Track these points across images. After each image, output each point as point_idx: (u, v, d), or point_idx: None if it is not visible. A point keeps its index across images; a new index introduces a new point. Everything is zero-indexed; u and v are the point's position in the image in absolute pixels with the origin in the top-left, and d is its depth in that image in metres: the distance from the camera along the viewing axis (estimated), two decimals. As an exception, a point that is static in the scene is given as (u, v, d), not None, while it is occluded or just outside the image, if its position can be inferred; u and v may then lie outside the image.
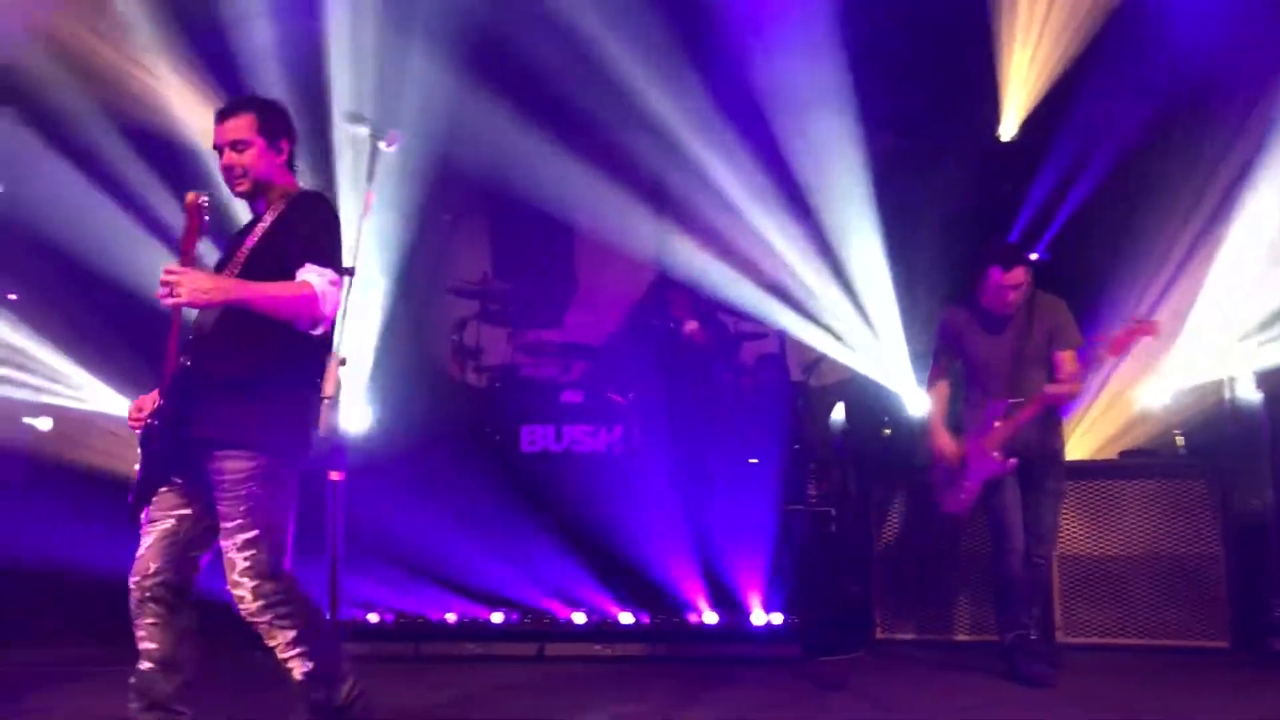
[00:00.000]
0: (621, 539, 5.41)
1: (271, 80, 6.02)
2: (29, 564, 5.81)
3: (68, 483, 6.44)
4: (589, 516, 5.56)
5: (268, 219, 3.36)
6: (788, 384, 6.53)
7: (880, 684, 4.87)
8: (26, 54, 6.23)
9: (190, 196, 3.11)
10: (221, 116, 3.38)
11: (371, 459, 5.60)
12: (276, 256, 3.26)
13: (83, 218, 6.30)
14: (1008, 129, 6.73)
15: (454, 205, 6.92)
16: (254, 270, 3.24)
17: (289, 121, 3.45)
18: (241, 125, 3.34)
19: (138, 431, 3.21)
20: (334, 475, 3.15)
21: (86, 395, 6.97)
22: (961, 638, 5.65)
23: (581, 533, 5.51)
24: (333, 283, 3.20)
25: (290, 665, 3.24)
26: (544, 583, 5.52)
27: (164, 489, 3.24)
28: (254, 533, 3.16)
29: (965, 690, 4.71)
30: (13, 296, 6.82)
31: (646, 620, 5.43)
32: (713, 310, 6.69)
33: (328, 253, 3.26)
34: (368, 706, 3.36)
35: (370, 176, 3.42)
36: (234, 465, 3.16)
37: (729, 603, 5.38)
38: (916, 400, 6.30)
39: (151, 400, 3.22)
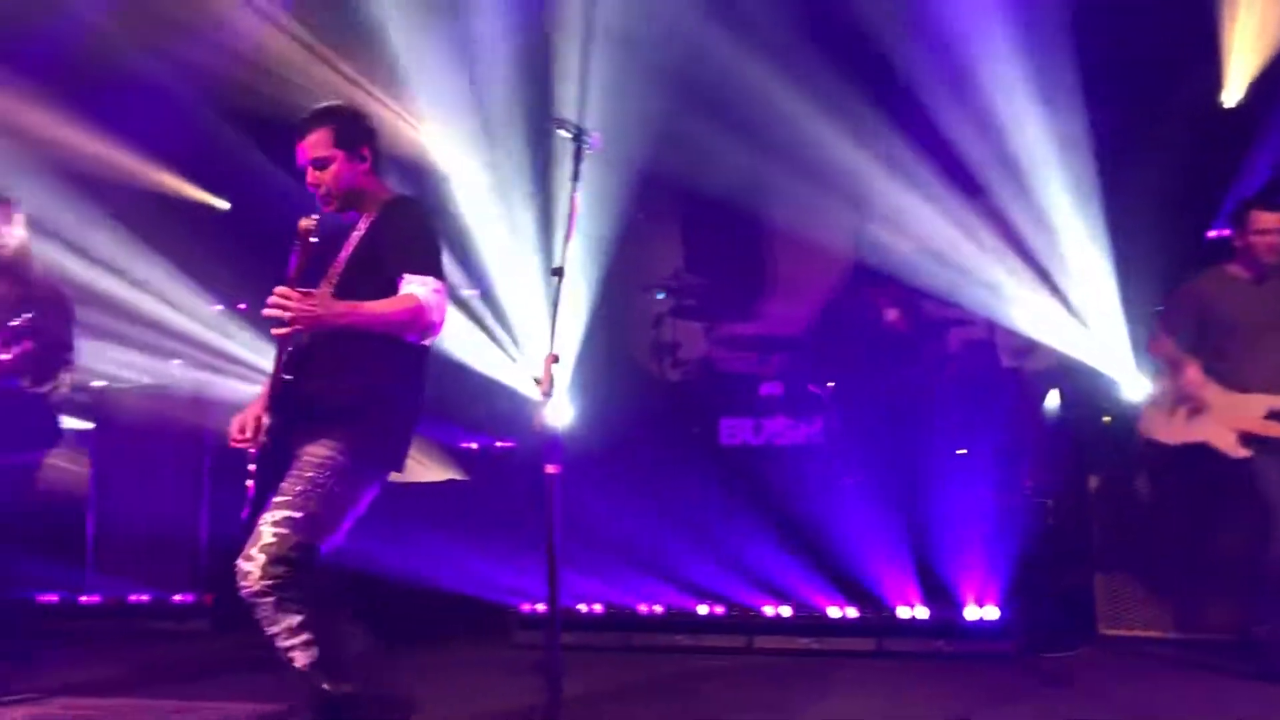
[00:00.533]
0: (827, 532, 5.35)
1: (496, 87, 6.23)
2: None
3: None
4: (792, 509, 5.52)
5: (361, 227, 3.31)
6: (998, 371, 6.31)
7: (1107, 680, 4.66)
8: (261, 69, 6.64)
9: (303, 223, 3.11)
10: (299, 134, 3.31)
11: (575, 454, 5.71)
12: (375, 266, 3.21)
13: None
14: (1232, 94, 6.29)
15: (646, 201, 6.98)
16: (352, 281, 3.21)
17: (368, 125, 3.40)
18: (319, 141, 3.28)
19: (249, 451, 3.19)
20: (550, 469, 3.21)
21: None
22: (1192, 634, 5.31)
23: (786, 525, 5.47)
24: (437, 290, 3.14)
25: (292, 654, 3.04)
26: (751, 576, 5.51)
27: None
28: (298, 514, 3.07)
29: (1203, 687, 4.46)
30: (242, 306, 7.30)
31: (856, 614, 5.35)
32: (915, 297, 6.52)
33: (428, 260, 3.20)
34: (388, 701, 3.18)
35: (575, 178, 3.48)
36: (314, 449, 3.13)
37: (941, 597, 5.23)
38: (1135, 385, 5.98)
39: (253, 419, 3.19)
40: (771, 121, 6.55)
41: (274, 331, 3.02)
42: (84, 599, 6.41)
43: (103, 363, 6.92)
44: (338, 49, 6.64)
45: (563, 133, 3.46)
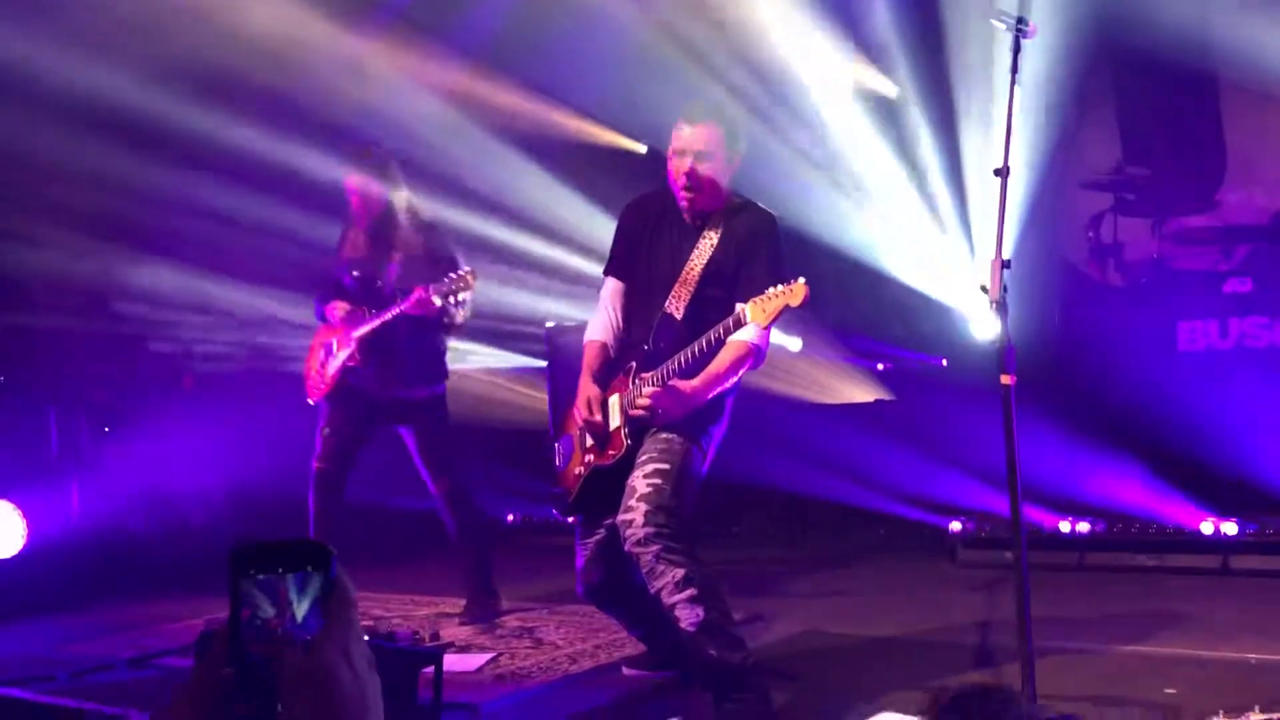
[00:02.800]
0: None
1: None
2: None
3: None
4: (1270, 419, 4.95)
5: (712, 236, 3.33)
6: None
7: None
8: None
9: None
10: (688, 121, 3.33)
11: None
12: (727, 282, 3.27)
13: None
14: None
15: (1077, 93, 6.41)
16: (706, 294, 3.28)
17: (743, 132, 3.45)
18: (709, 137, 3.30)
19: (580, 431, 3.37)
20: (1006, 379, 3.06)
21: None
22: None
23: (1263, 436, 4.92)
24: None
25: (678, 613, 3.03)
26: (1222, 492, 5.02)
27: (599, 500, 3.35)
28: (665, 466, 3.12)
29: None
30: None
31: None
32: None
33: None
34: (760, 681, 3.14)
35: (1014, 71, 3.24)
36: (666, 432, 3.22)
37: None
38: None
39: (598, 401, 3.33)
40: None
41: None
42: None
43: (548, 302, 7.52)
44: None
45: (998, 24, 3.23)
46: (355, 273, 4.73)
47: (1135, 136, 6.63)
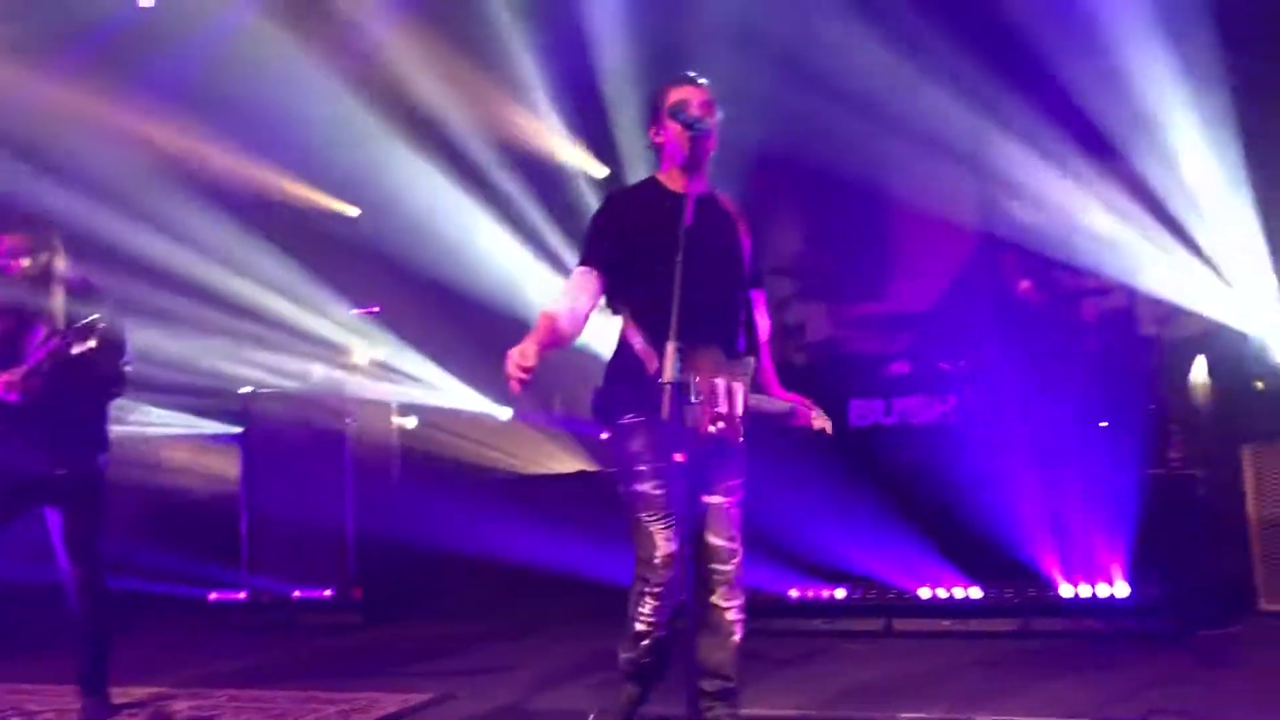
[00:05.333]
0: (965, 511, 5.22)
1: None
2: (402, 546, 6.44)
3: (434, 473, 7.15)
4: (928, 489, 5.42)
5: (740, 223, 3.49)
6: (1138, 340, 6.07)
7: (1269, 659, 4.45)
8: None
9: None
10: (703, 82, 3.43)
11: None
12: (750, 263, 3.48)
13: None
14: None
15: (760, 185, 6.91)
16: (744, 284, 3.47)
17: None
18: (712, 100, 3.42)
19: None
20: (678, 457, 3.20)
21: (445, 394, 7.68)
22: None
23: (921, 506, 5.38)
24: None
25: (737, 628, 3.30)
26: (886, 558, 5.44)
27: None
28: (742, 495, 3.41)
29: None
30: (376, 309, 7.52)
31: (997, 595, 5.23)
32: (1046, 267, 6.31)
33: None
34: None
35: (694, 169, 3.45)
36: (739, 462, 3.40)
37: (1086, 575, 5.08)
38: (1290, 347, 5.67)
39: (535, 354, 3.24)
40: (886, 91, 6.39)
41: None
42: (240, 595, 6.69)
43: (246, 367, 7.22)
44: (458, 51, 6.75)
45: (676, 123, 3.42)
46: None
47: (816, 228, 7.22)
